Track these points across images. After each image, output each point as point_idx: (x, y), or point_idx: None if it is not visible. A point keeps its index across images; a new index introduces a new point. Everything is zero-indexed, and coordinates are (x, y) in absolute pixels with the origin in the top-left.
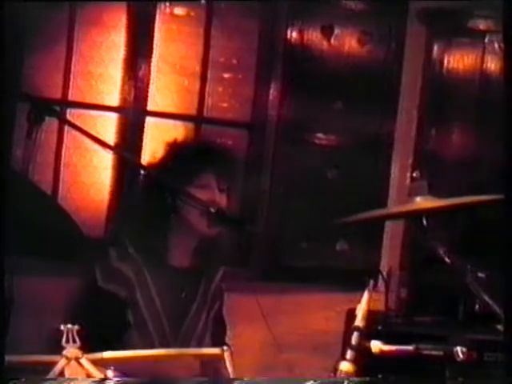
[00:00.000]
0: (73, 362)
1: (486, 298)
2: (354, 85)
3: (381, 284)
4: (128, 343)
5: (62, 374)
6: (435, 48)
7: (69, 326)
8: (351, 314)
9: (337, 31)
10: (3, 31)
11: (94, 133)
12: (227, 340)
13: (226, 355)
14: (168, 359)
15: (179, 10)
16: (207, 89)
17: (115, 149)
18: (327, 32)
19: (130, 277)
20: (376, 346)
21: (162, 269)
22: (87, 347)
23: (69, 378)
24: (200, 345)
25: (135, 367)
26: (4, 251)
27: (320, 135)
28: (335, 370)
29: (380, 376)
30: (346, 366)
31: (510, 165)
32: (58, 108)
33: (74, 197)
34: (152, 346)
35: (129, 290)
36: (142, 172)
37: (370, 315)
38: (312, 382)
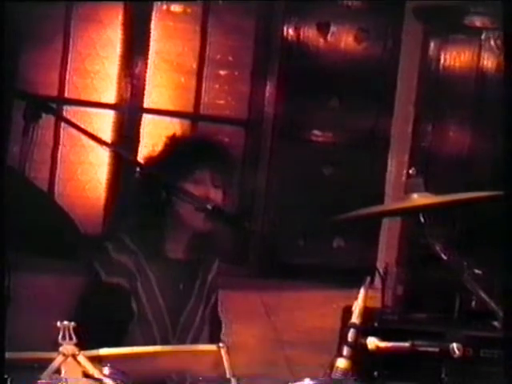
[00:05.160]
0: (69, 359)
1: (483, 294)
2: (350, 82)
3: (377, 281)
4: (130, 335)
5: (58, 370)
6: (432, 45)
7: (65, 322)
8: (348, 311)
9: (333, 28)
10: (3, 31)
11: (90, 130)
12: (222, 336)
13: (223, 352)
14: (164, 356)
15: (176, 7)
16: (204, 86)
17: (111, 146)
18: (323, 29)
19: (132, 269)
20: (372, 342)
21: (160, 261)
22: (91, 341)
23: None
24: (198, 337)
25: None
26: (2, 249)
27: (316, 132)
28: (332, 366)
29: (376, 373)
30: (342, 363)
31: (509, 162)
32: (54, 105)
33: (71, 193)
34: (153, 338)
35: (132, 282)
36: (138, 169)
37: (367, 312)
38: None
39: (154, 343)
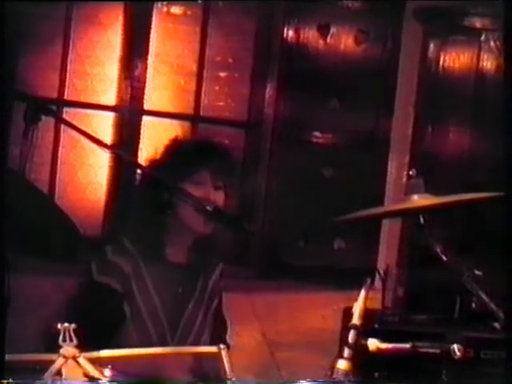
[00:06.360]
0: (70, 361)
1: (483, 295)
2: (350, 83)
3: (378, 282)
4: (127, 337)
5: (59, 372)
6: (431, 46)
7: (65, 324)
8: (348, 312)
9: (333, 30)
10: (3, 31)
11: (90, 132)
12: (228, 337)
13: (223, 354)
14: (165, 357)
15: (176, 9)
16: (203, 88)
17: (111, 148)
18: (323, 31)
19: (128, 271)
20: (373, 344)
21: (160, 264)
22: (85, 341)
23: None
24: (198, 341)
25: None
26: (2, 251)
27: (316, 134)
28: (332, 368)
29: (377, 374)
30: (343, 364)
31: (509, 163)
32: (54, 107)
33: (71, 196)
34: (150, 342)
35: (126, 284)
36: (138, 171)
37: (367, 313)
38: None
39: (151, 347)
